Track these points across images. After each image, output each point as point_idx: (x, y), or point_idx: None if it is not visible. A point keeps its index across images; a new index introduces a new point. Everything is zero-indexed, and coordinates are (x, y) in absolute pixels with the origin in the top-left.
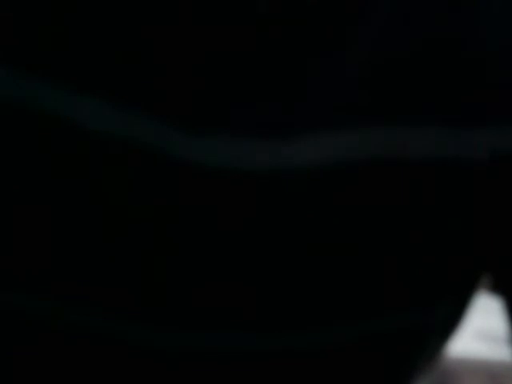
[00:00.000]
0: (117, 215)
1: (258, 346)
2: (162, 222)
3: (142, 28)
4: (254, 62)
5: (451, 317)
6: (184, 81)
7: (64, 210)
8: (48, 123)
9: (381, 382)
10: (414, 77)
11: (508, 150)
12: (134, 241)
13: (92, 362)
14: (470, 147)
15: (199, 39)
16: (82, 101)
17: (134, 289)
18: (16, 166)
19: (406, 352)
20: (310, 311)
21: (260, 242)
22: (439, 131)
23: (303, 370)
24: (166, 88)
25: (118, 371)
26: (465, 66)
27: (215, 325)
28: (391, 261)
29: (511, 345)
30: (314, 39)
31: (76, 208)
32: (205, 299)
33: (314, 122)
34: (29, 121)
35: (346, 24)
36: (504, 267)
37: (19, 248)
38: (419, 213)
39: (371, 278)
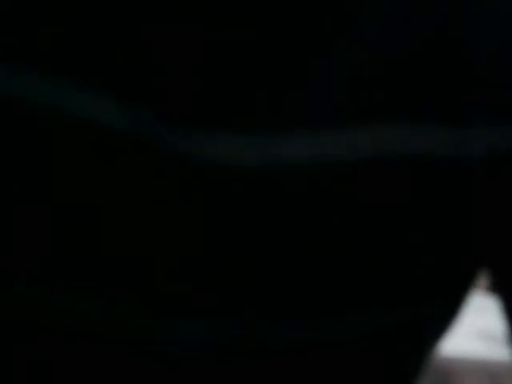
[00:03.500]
0: (116, 211)
1: (257, 343)
2: (160, 217)
3: (142, 28)
4: (253, 61)
5: (446, 315)
6: (184, 81)
7: (64, 208)
8: (48, 120)
9: (380, 381)
10: (413, 76)
11: (508, 150)
12: (134, 235)
13: (92, 362)
14: (469, 147)
15: (199, 39)
16: (82, 102)
17: (133, 287)
18: (16, 165)
19: (406, 351)
20: (309, 310)
21: (255, 240)
22: (439, 131)
23: (302, 368)
24: (166, 88)
25: (118, 371)
26: (465, 65)
27: (217, 314)
28: (391, 260)
29: (510, 345)
30: (314, 39)
31: (75, 206)
32: (207, 290)
33: (314, 121)
34: (29, 118)
35: (346, 24)
36: (503, 267)
37: (19, 248)
38: (419, 212)
39: (370, 277)
